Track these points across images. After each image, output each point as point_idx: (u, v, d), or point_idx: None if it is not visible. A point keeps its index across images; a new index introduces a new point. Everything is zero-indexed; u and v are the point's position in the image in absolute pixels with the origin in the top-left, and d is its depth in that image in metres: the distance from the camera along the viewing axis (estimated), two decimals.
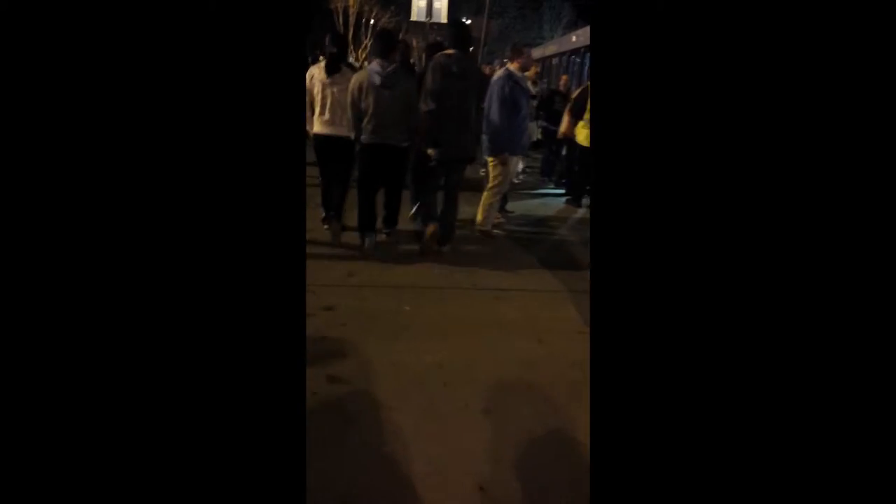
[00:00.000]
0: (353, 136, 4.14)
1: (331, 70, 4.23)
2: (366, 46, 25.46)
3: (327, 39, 4.36)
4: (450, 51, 4.08)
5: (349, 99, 4.00)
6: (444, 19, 16.12)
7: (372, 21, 26.16)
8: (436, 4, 16.53)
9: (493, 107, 4.49)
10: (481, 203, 4.91)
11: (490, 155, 4.70)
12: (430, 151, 4.08)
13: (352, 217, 4.50)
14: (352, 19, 25.30)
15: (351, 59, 23.65)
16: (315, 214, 4.71)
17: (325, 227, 4.55)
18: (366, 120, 3.96)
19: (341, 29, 25.41)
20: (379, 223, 4.44)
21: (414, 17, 16.81)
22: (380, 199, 4.39)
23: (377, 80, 3.90)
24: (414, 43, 28.51)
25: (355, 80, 4.00)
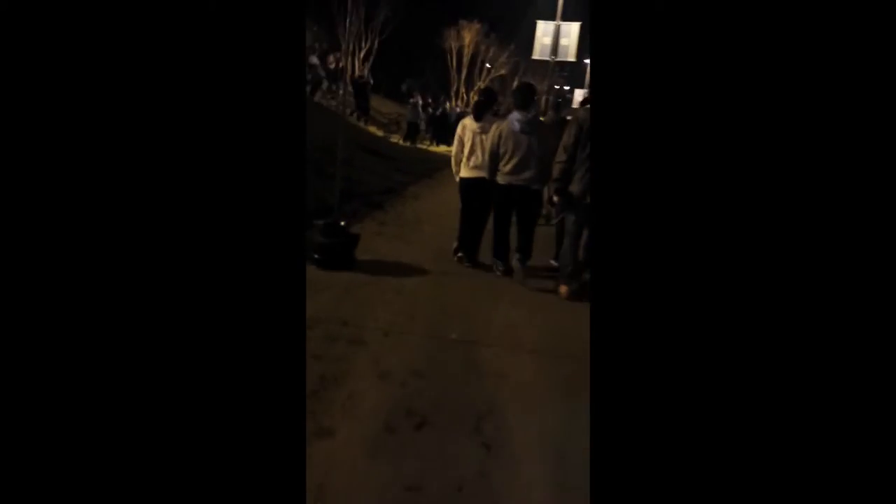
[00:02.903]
0: (488, 176, 4.41)
1: (478, 117, 4.60)
2: (478, 89, 23.30)
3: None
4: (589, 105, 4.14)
5: (489, 145, 4.37)
6: (572, 58, 13.64)
7: (488, 64, 24.12)
8: (563, 42, 14.01)
9: None
10: None
11: None
12: (555, 199, 4.21)
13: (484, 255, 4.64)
14: (466, 60, 23.37)
15: (459, 106, 21.76)
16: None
17: (457, 259, 4.72)
18: (503, 162, 4.28)
19: (454, 71, 23.54)
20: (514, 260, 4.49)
21: (536, 56, 14.39)
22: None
23: (517, 126, 4.24)
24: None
25: (496, 127, 4.36)
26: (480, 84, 23.06)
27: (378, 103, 18.34)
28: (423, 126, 17.32)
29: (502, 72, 23.93)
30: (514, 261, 4.39)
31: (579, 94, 21.91)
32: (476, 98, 4.99)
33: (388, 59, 20.09)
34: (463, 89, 23.76)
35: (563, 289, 4.10)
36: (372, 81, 17.07)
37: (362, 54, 18.20)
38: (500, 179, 4.31)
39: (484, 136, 4.45)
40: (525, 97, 4.32)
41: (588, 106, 4.02)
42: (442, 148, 16.03)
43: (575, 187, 3.96)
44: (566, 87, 26.28)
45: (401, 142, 15.87)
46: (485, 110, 4.64)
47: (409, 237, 5.35)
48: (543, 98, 13.88)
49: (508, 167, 4.24)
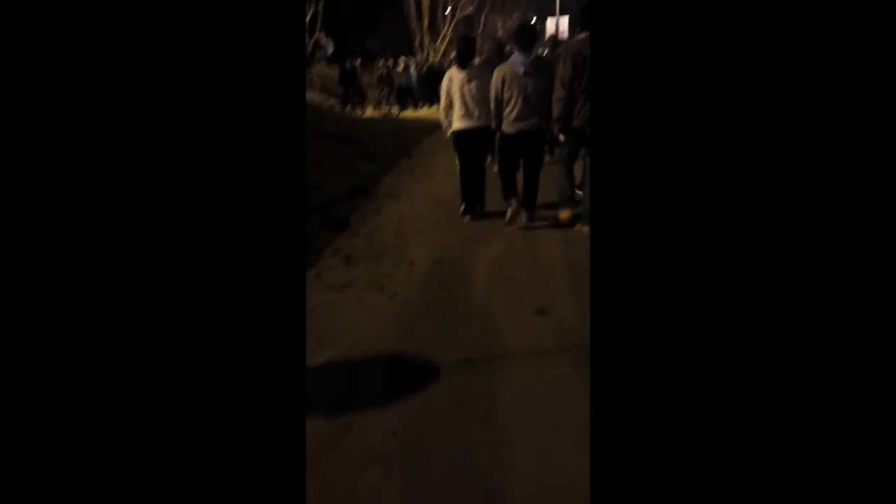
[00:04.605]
0: (492, 125, 4.32)
1: (463, 65, 4.44)
2: (445, 37, 20.74)
3: None
4: (582, 35, 4.01)
5: (492, 92, 4.16)
6: None
7: (449, 8, 21.55)
8: None
9: None
10: None
11: None
12: (560, 137, 4.09)
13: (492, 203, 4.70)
14: (425, 5, 20.75)
15: (419, 57, 19.35)
16: None
17: (465, 218, 4.63)
18: (508, 109, 4.11)
19: (414, 19, 21.01)
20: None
21: None
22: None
23: (521, 69, 4.03)
24: (498, 24, 23.83)
25: (498, 72, 4.14)
26: (447, 31, 20.56)
27: (333, 72, 15.98)
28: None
29: (469, 11, 21.38)
30: (521, 212, 4.31)
31: (551, 24, 19.62)
32: (458, 47, 4.79)
33: (337, 20, 17.61)
34: (427, 39, 21.26)
35: (564, 214, 4.19)
36: (359, 63, 14.73)
37: (307, 17, 15.69)
38: (508, 128, 4.18)
39: (472, 85, 4.35)
40: (529, 38, 4.15)
41: (581, 36, 4.01)
42: (409, 112, 13.87)
43: (575, 121, 3.90)
44: (535, 18, 23.76)
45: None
46: (468, 58, 4.55)
47: (391, 282, 3.39)
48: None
49: (515, 113, 4.11)
